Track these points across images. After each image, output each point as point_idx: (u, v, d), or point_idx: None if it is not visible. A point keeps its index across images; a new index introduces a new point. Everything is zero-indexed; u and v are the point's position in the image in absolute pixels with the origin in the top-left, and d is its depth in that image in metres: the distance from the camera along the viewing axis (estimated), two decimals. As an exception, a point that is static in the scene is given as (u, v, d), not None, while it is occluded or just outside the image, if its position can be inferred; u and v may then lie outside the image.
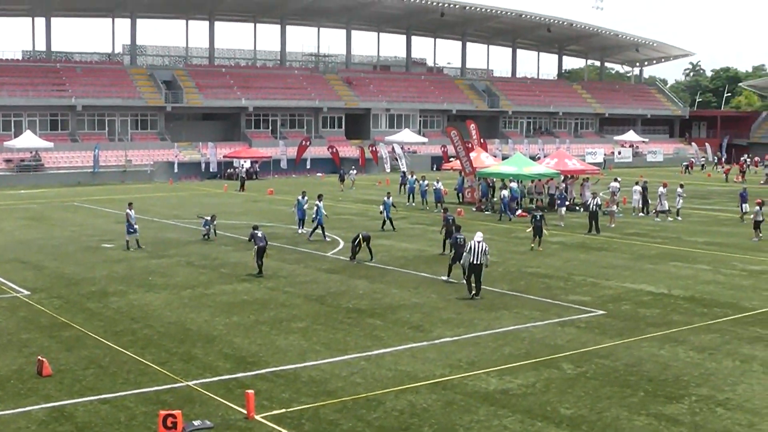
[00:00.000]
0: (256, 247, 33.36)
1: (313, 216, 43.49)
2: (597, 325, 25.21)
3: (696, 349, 22.55)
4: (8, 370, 20.65)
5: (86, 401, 18.47)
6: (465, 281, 28.99)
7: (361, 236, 36.68)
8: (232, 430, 16.76)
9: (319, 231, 42.77)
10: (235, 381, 19.85)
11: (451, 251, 32.85)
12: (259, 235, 33.53)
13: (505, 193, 54.00)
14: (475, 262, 28.31)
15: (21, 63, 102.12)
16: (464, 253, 28.84)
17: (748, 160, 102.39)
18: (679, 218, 51.57)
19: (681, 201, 53.09)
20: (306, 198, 46.73)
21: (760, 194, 56.02)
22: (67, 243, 42.41)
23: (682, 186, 53.82)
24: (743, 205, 50.84)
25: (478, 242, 28.45)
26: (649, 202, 55.27)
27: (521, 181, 57.75)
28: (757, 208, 44.48)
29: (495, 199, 59.10)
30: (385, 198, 47.20)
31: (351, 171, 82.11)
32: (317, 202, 43.41)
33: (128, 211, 40.40)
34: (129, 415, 17.59)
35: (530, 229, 40.88)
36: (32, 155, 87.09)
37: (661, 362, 21.27)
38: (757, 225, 44.20)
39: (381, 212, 46.63)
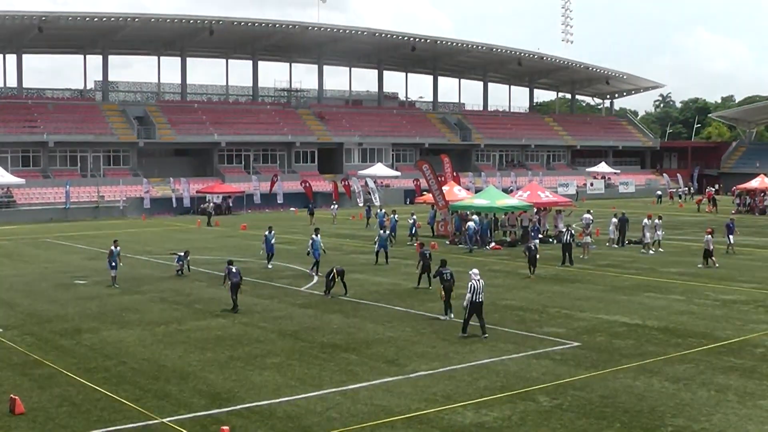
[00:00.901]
0: (230, 282, 33.27)
1: (308, 250, 43.58)
2: (572, 357, 25.23)
3: (671, 379, 22.60)
4: (-20, 410, 20.46)
5: (59, 440, 18.32)
6: (464, 320, 28.09)
7: (335, 270, 36.62)
8: (208, 467, 16.65)
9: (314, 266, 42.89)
10: (210, 417, 19.72)
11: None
12: (234, 270, 33.46)
13: (471, 225, 54.30)
14: (477, 300, 27.63)
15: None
16: (466, 294, 27.80)
17: (711, 189, 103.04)
18: (661, 250, 51.58)
19: (661, 233, 53.02)
20: (273, 233, 46.62)
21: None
22: (40, 280, 42.15)
23: (660, 218, 53.94)
24: (730, 236, 51.00)
25: (477, 280, 27.86)
26: (626, 233, 55.45)
27: (486, 214, 57.82)
28: (708, 236, 44.94)
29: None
30: (313, 235, 44.29)
31: (333, 205, 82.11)
32: (313, 236, 43.51)
33: (112, 248, 40.30)
34: (103, 454, 17.47)
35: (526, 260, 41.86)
36: (4, 192, 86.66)
37: (637, 393, 21.31)
38: (707, 254, 44.87)
39: (308, 253, 44.08)
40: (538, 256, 42.38)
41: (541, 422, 19.17)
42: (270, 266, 45.28)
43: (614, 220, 55.57)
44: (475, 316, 27.68)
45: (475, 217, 56.83)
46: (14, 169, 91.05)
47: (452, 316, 30.91)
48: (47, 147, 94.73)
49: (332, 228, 70.00)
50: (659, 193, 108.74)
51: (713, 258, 44.88)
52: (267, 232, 46.12)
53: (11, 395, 20.60)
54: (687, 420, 19.23)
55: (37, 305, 35.05)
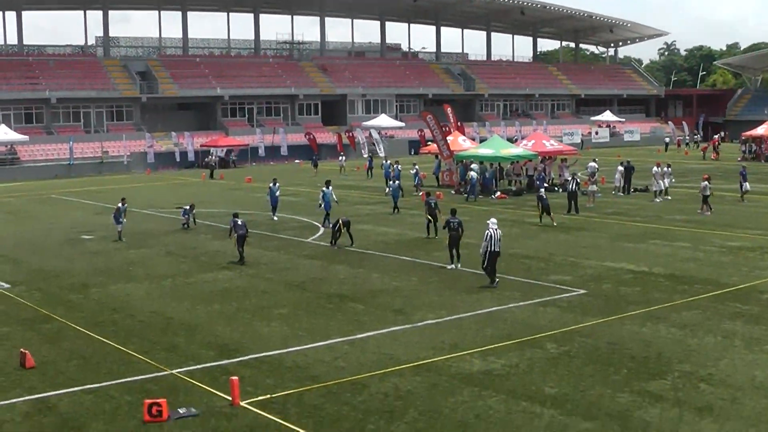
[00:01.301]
0: (236, 234, 33.30)
1: (319, 202, 43.29)
2: (578, 305, 25.30)
3: (677, 326, 22.66)
4: (-10, 364, 20.60)
5: (70, 392, 18.44)
6: (484, 270, 27.97)
7: (341, 221, 36.63)
8: (218, 417, 16.75)
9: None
10: (219, 368, 19.83)
11: (436, 235, 32.37)
12: (240, 222, 33.48)
13: (473, 174, 54.39)
14: (495, 249, 27.55)
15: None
16: (483, 242, 27.74)
17: (716, 137, 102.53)
18: (668, 197, 51.41)
19: (669, 181, 52.74)
20: (278, 185, 46.57)
21: (736, 171, 56.23)
22: (46, 236, 42.22)
23: (669, 166, 53.61)
24: (744, 184, 50.77)
25: (495, 230, 27.79)
26: (631, 181, 55.36)
27: (491, 163, 57.80)
28: (705, 183, 45.03)
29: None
30: (324, 188, 43.65)
31: (340, 157, 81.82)
32: (324, 189, 43.13)
33: (119, 204, 40.37)
34: (114, 405, 17.57)
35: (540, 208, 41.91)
36: (7, 149, 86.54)
37: (643, 340, 21.37)
38: (705, 199, 44.99)
39: (320, 205, 43.31)
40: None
41: (548, 369, 19.25)
42: (275, 218, 45.31)
43: (620, 168, 55.44)
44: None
45: (474, 166, 56.89)
46: (17, 126, 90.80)
47: (459, 266, 30.99)
48: (50, 103, 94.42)
49: (339, 179, 69.94)
50: (667, 140, 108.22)
51: (708, 204, 45.01)
52: (271, 184, 46.06)
53: (21, 349, 20.73)
54: (694, 366, 19.29)
55: (44, 261, 35.13)
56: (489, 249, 27.42)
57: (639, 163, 65.05)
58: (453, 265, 31.16)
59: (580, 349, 20.68)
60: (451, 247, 31.25)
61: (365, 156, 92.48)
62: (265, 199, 46.85)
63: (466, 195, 54.04)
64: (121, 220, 40.03)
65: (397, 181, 50.01)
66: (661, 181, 51.25)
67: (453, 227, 31.04)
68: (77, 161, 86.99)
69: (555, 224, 40.99)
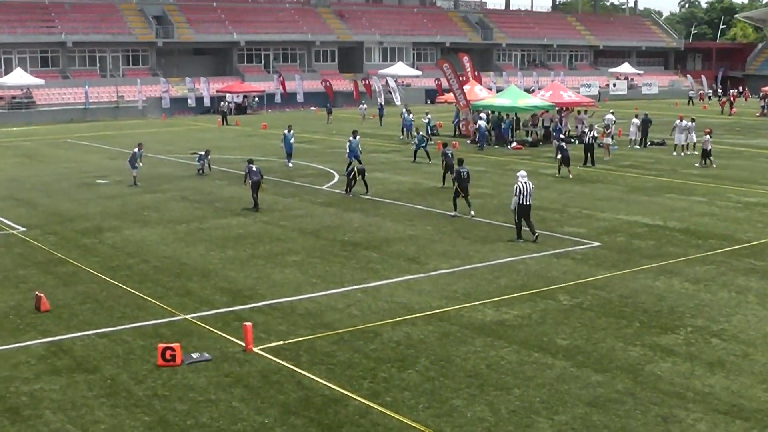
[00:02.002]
0: (251, 181, 33.30)
1: (346, 153, 42.69)
2: (592, 257, 25.27)
3: (691, 280, 22.62)
4: (6, 306, 20.72)
5: (84, 335, 18.55)
6: (515, 224, 27.46)
7: (356, 169, 36.56)
8: (231, 363, 16.83)
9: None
10: (232, 314, 19.92)
11: (453, 185, 32.30)
12: (254, 168, 33.44)
13: (482, 123, 54.41)
14: (525, 203, 26.96)
15: (9, 0, 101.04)
16: (513, 197, 27.15)
17: (734, 91, 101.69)
18: (695, 152, 50.38)
19: (694, 136, 51.73)
20: (292, 132, 46.49)
21: (755, 126, 55.90)
22: (61, 180, 42.31)
23: (693, 120, 52.66)
24: None
25: (525, 182, 27.11)
26: (648, 134, 54.98)
27: (507, 114, 57.64)
28: (707, 137, 45.16)
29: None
30: (351, 137, 43.06)
31: (361, 105, 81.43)
32: (350, 138, 42.60)
33: (135, 150, 40.40)
34: (127, 349, 17.67)
35: (559, 157, 41.59)
36: (23, 92, 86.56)
37: (656, 294, 21.35)
38: (705, 153, 45.13)
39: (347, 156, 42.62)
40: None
41: (561, 320, 19.27)
42: (290, 165, 45.28)
43: (635, 120, 55.07)
44: (523, 219, 27.24)
45: (482, 115, 57.00)
46: (33, 69, 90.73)
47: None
48: (65, 47, 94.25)
49: (359, 127, 69.77)
50: (691, 94, 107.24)
51: (711, 158, 45.00)
52: (286, 131, 45.94)
53: (36, 292, 20.83)
54: (706, 320, 19.28)
55: (59, 205, 35.23)
56: (520, 202, 26.92)
57: (657, 116, 64.65)
58: (454, 213, 31.45)
59: (592, 302, 20.68)
60: (457, 196, 31.38)
61: (381, 104, 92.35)
62: (280, 146, 46.80)
63: (479, 144, 53.96)
64: (137, 165, 40.06)
65: (421, 133, 49.39)
66: (681, 135, 50.65)
67: (463, 176, 31.09)
68: (92, 105, 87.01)
69: (571, 176, 40.84)
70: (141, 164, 40.70)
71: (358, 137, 42.73)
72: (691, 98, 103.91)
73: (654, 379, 15.95)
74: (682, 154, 49.90)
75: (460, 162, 32.16)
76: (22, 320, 19.66)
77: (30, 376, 16.34)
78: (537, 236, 27.16)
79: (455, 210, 31.59)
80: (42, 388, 15.76)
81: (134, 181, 39.82)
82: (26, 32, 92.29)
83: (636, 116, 56.27)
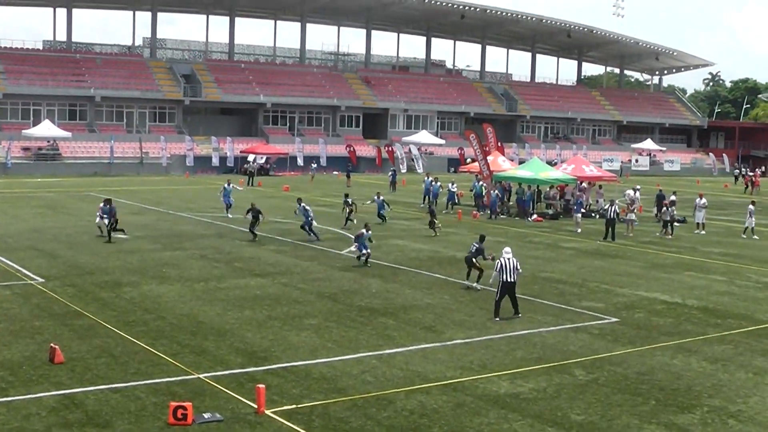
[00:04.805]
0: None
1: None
2: (610, 332, 25.12)
3: (709, 359, 22.45)
4: (21, 357, 20.71)
5: (97, 390, 18.50)
6: (495, 302, 26.44)
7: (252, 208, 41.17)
8: (242, 424, 16.74)
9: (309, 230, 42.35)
10: (246, 375, 19.84)
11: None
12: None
13: (494, 194, 55.38)
14: (509, 280, 26.08)
15: (41, 53, 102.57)
16: (494, 273, 26.66)
17: (759, 170, 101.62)
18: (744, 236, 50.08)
19: (752, 220, 50.66)
20: (231, 185, 51.14)
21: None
22: (82, 232, 42.49)
23: (753, 203, 51.49)
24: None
25: (509, 258, 26.33)
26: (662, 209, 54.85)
27: (529, 186, 57.72)
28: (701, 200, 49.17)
29: (511, 203, 59.04)
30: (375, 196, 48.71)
31: (390, 169, 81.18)
32: (301, 205, 42.74)
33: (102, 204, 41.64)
34: (139, 405, 17.60)
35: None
36: (50, 144, 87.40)
37: (674, 372, 21.18)
38: (666, 224, 48.47)
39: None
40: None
41: (576, 395, 19.12)
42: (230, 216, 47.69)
43: (673, 197, 55.05)
44: (508, 296, 26.34)
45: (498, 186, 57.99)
46: (61, 122, 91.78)
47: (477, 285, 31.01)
48: (94, 101, 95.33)
49: (386, 194, 69.93)
50: (737, 173, 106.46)
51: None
52: (226, 185, 50.09)
53: (51, 344, 20.83)
54: (723, 401, 19.09)
55: (79, 257, 35.35)
56: (502, 279, 26.09)
57: (686, 193, 64.44)
58: (468, 282, 31.34)
59: (609, 378, 20.52)
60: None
61: (404, 171, 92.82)
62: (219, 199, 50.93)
63: (505, 216, 54.17)
64: (104, 218, 40.72)
65: (382, 197, 50.77)
66: (700, 213, 50.66)
67: (470, 251, 31.14)
68: (117, 160, 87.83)
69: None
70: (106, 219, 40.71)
71: (382, 197, 43.85)
72: (737, 177, 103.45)
73: (669, 459, 15.77)
74: (702, 232, 49.78)
75: (481, 239, 31.86)
76: (35, 371, 19.64)
77: (40, 429, 16.27)
78: (518, 315, 26.34)
79: (467, 279, 31.55)
80: (52, 442, 15.72)
81: (108, 233, 40.40)
82: (56, 85, 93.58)
83: (674, 193, 56.46)
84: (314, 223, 42.15)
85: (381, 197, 45.87)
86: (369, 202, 50.19)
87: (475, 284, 30.90)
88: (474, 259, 30.82)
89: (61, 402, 17.72)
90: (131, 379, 19.24)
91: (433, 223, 45.01)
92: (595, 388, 19.73)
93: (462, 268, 32.25)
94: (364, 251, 35.12)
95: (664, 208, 48.96)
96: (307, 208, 42.37)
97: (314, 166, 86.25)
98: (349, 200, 45.92)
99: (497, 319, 25.99)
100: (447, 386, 19.45)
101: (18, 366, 20.01)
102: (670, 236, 47.37)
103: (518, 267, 26.54)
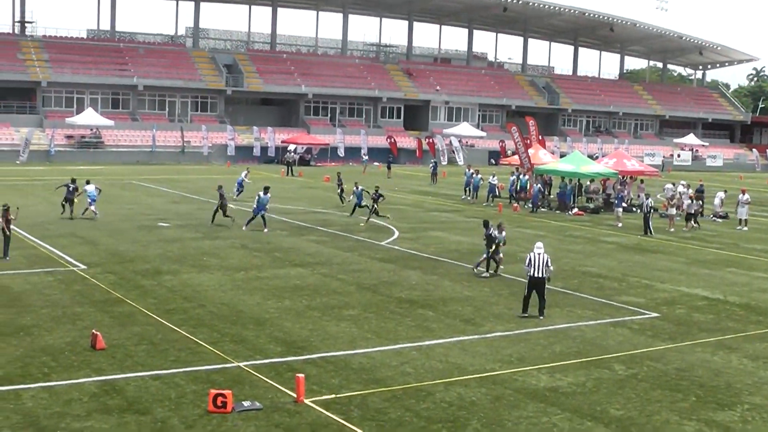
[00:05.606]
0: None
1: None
2: (650, 328, 24.98)
3: (750, 357, 22.26)
4: (62, 342, 20.91)
5: (137, 376, 18.64)
6: (523, 298, 25.97)
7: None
8: (281, 413, 16.81)
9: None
10: (285, 364, 19.91)
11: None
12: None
13: (537, 187, 55.48)
14: (536, 275, 25.37)
15: (85, 42, 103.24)
16: (524, 266, 26.23)
17: None
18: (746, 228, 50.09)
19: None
20: (246, 176, 53.73)
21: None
22: (123, 220, 42.81)
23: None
24: None
25: (539, 254, 25.40)
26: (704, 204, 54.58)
27: (570, 179, 57.40)
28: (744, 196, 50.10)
29: (552, 196, 58.84)
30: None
31: (431, 161, 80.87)
32: (261, 193, 41.80)
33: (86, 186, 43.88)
34: (179, 393, 17.72)
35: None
36: (93, 132, 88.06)
37: (714, 368, 21.03)
38: (689, 216, 49.13)
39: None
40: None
41: (615, 390, 19.04)
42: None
43: (720, 194, 54.49)
44: (535, 293, 25.66)
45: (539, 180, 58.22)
46: (104, 110, 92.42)
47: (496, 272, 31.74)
48: (136, 90, 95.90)
49: (420, 186, 69.95)
50: None
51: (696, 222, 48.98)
52: (261, 193, 42.56)
53: (93, 331, 21.01)
54: (764, 398, 18.93)
55: (120, 245, 35.60)
56: (531, 274, 25.44)
57: (731, 190, 63.91)
58: (478, 268, 32.03)
59: (648, 373, 20.41)
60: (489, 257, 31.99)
61: (444, 163, 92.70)
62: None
63: (545, 209, 54.17)
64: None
65: (361, 187, 48.65)
66: (743, 209, 50.24)
67: (493, 237, 31.58)
68: (159, 149, 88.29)
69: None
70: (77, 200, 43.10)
71: (269, 194, 42.07)
72: None
73: (708, 455, 15.68)
74: (745, 228, 49.37)
75: (498, 226, 32.27)
76: (76, 357, 19.82)
77: (81, 414, 16.43)
78: (543, 316, 25.49)
79: (477, 266, 32.12)
80: (92, 426, 15.84)
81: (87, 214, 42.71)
82: (100, 74, 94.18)
83: (725, 191, 56.18)
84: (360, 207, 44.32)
85: (360, 188, 46.13)
86: (351, 197, 48.58)
87: (480, 269, 32.08)
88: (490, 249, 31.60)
89: (102, 388, 17.87)
90: (171, 367, 19.37)
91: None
92: (634, 383, 19.63)
93: (504, 260, 32.15)
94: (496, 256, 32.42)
95: (689, 201, 49.19)
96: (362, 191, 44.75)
97: (366, 157, 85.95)
98: (379, 192, 45.45)
99: (525, 315, 25.51)
100: (485, 379, 19.43)
101: (60, 352, 20.21)
102: (689, 229, 47.99)
103: (549, 263, 25.65)
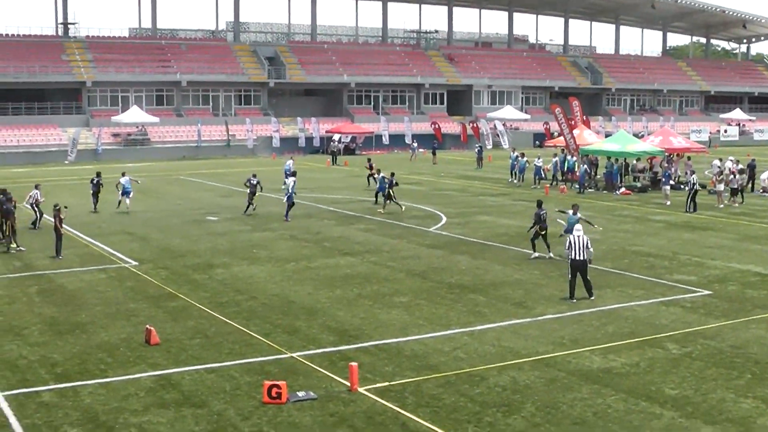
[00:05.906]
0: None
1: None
2: (702, 306, 24.80)
3: (805, 331, 22.07)
4: (117, 338, 21.15)
5: (192, 370, 18.83)
6: (568, 282, 25.55)
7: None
8: (336, 402, 16.90)
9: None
10: (338, 354, 20.01)
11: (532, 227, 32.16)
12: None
13: (584, 167, 55.26)
14: (577, 257, 24.96)
15: (128, 40, 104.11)
16: (564, 250, 26.04)
17: None
18: None
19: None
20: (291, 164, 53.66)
21: None
22: (173, 216, 43.14)
23: None
24: None
25: (578, 236, 24.98)
26: (755, 180, 54.13)
27: (617, 159, 57.00)
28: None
29: (598, 176, 58.54)
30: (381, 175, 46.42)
31: (476, 145, 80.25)
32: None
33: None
34: (234, 385, 17.87)
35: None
36: (139, 129, 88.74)
37: (769, 344, 20.87)
38: (734, 192, 48.42)
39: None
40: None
41: (669, 369, 18.95)
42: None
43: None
44: (579, 275, 25.29)
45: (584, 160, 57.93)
46: (149, 107, 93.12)
47: (551, 255, 31.50)
48: (180, 86, 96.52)
49: (466, 171, 69.79)
50: None
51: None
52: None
53: (147, 326, 21.23)
54: (822, 373, 18.79)
55: (170, 240, 35.91)
56: (572, 257, 25.05)
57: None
58: (535, 253, 31.78)
59: (702, 351, 20.28)
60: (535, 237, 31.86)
61: (489, 147, 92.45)
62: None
63: (592, 189, 54.00)
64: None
65: (382, 174, 48.08)
66: None
67: (543, 218, 31.43)
68: (204, 143, 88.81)
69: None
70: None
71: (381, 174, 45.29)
72: None
73: (766, 432, 15.59)
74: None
75: (539, 204, 32.23)
76: (132, 353, 20.05)
77: (139, 408, 16.63)
78: (592, 297, 25.31)
79: (534, 251, 31.85)
80: (150, 421, 16.03)
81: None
82: (143, 72, 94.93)
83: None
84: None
85: (381, 175, 45.65)
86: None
87: (538, 254, 31.82)
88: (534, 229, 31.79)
89: (158, 382, 18.07)
90: (225, 359, 19.53)
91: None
92: (688, 362, 19.53)
93: (552, 243, 32.07)
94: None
95: (733, 176, 48.72)
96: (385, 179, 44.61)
97: (415, 145, 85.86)
98: (393, 180, 44.95)
99: (573, 300, 25.15)
100: (539, 362, 19.42)
101: (115, 348, 20.44)
102: (737, 205, 47.57)
103: (589, 245, 25.23)
